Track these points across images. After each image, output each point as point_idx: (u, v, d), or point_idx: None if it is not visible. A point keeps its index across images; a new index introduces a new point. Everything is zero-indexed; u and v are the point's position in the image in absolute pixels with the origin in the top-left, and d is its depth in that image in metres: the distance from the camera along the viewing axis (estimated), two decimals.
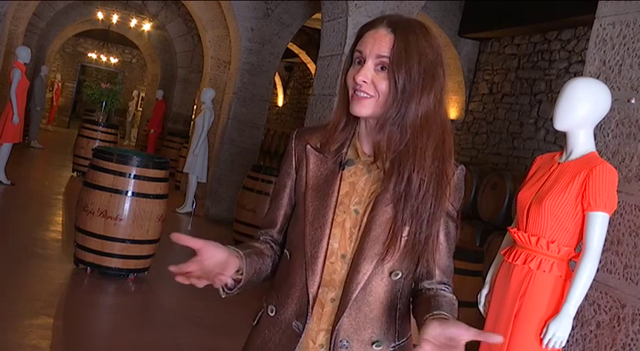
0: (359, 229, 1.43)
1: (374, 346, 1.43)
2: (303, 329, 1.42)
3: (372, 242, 1.40)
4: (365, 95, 1.40)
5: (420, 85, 1.38)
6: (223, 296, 1.41)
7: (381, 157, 1.42)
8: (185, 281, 1.28)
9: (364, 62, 1.41)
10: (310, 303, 1.42)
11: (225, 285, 1.35)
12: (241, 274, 1.40)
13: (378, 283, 1.42)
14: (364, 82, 1.39)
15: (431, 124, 1.40)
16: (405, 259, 1.42)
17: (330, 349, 1.42)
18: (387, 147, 1.40)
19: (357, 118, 1.49)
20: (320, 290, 1.43)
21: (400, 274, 1.43)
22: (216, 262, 1.31)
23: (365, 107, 1.40)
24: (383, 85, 1.39)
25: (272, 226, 1.57)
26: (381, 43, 1.39)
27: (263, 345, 1.48)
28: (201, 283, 1.28)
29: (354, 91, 1.41)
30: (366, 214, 1.42)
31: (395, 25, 1.41)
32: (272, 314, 1.48)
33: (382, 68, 1.39)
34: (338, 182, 1.45)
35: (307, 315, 1.42)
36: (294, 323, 1.44)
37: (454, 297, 1.47)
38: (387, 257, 1.40)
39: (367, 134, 1.47)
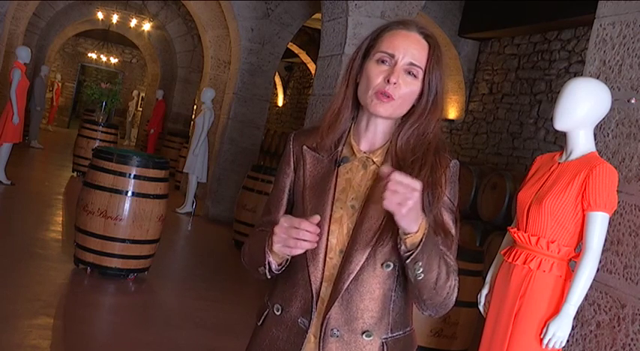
0: (355, 224, 1.45)
1: (364, 336, 1.44)
2: (309, 325, 1.44)
3: (365, 233, 1.42)
4: (389, 97, 1.43)
5: (441, 99, 1.48)
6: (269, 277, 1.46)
7: (398, 158, 1.46)
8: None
9: (395, 64, 1.44)
10: (314, 299, 1.44)
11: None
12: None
13: (370, 273, 1.43)
14: (395, 83, 1.43)
15: (437, 132, 1.49)
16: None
17: (320, 337, 1.44)
18: (406, 151, 1.47)
19: (354, 115, 1.53)
20: (322, 286, 1.45)
21: (392, 266, 1.44)
22: None
23: (386, 109, 1.45)
24: (407, 91, 1.44)
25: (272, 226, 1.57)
26: (415, 50, 1.44)
27: (271, 344, 1.50)
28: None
29: (379, 91, 1.44)
30: (362, 209, 1.45)
31: (427, 35, 1.47)
32: (278, 313, 1.50)
33: (409, 73, 1.44)
34: (334, 179, 1.48)
35: (312, 311, 1.44)
36: (299, 320, 1.46)
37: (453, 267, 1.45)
38: (379, 245, 1.41)
39: (365, 132, 1.51)
